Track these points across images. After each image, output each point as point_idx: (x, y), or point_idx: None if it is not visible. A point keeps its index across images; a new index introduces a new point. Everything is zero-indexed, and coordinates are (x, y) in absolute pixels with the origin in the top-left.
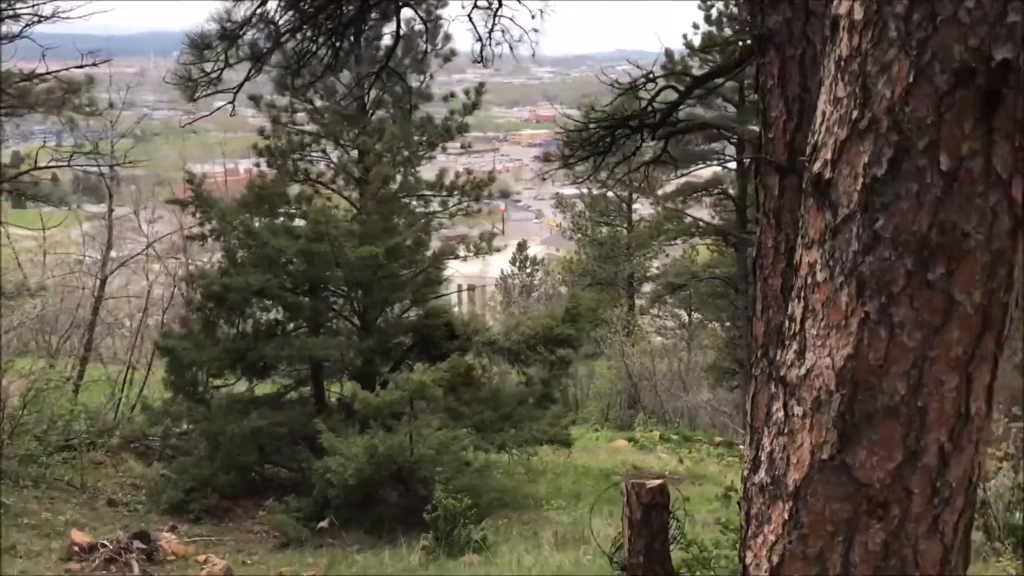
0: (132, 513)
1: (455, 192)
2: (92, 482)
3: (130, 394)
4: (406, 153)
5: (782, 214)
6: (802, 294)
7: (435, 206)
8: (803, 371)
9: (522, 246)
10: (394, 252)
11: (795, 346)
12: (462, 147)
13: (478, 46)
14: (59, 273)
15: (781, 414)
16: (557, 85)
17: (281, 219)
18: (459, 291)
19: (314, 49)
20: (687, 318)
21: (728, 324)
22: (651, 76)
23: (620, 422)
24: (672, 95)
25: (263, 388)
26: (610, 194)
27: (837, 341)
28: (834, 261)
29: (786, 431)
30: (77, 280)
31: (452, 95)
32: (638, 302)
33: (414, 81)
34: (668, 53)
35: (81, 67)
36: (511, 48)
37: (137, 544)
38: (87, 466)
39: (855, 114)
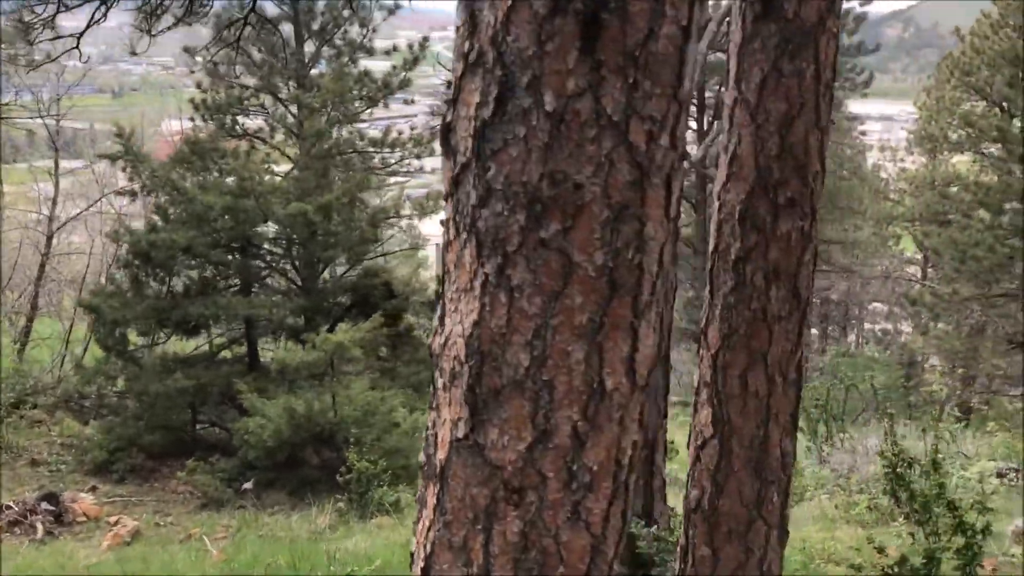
0: (54, 473)
1: (397, 148)
2: (22, 442)
3: (75, 352)
4: (356, 108)
5: None
6: (442, 253)
7: (382, 163)
8: (443, 339)
9: None
10: (326, 209)
11: (439, 311)
12: (405, 103)
13: None
14: (7, 228)
15: (432, 387)
16: None
17: (215, 175)
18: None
19: None
20: None
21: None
22: None
23: None
24: None
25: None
26: None
27: (466, 306)
28: (459, 216)
29: (434, 405)
30: (31, 236)
31: (395, 48)
32: None
33: (356, 35)
34: None
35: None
36: None
37: (44, 506)
38: (22, 426)
39: (465, 45)
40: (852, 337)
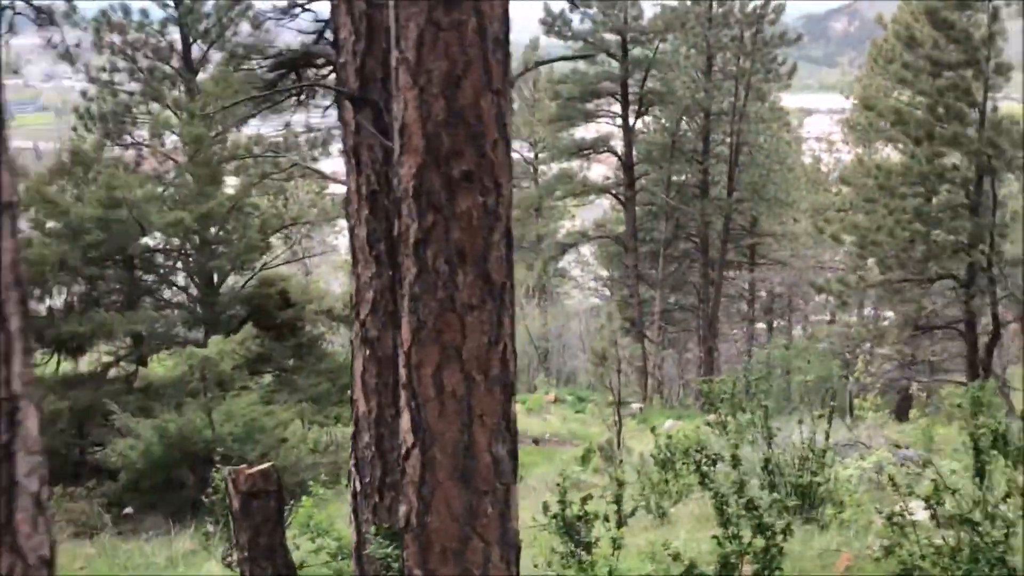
0: None
1: (292, 152)
2: None
3: None
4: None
5: (360, 152)
6: None
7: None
8: None
9: None
10: (208, 218)
11: None
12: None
13: None
14: None
15: None
16: None
17: (94, 187)
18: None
19: None
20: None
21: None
22: None
23: (530, 385)
24: None
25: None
26: (514, 155)
27: None
28: None
29: None
30: None
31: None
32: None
33: (245, 37)
34: None
35: None
36: None
37: None
38: None
39: None
40: (799, 330)
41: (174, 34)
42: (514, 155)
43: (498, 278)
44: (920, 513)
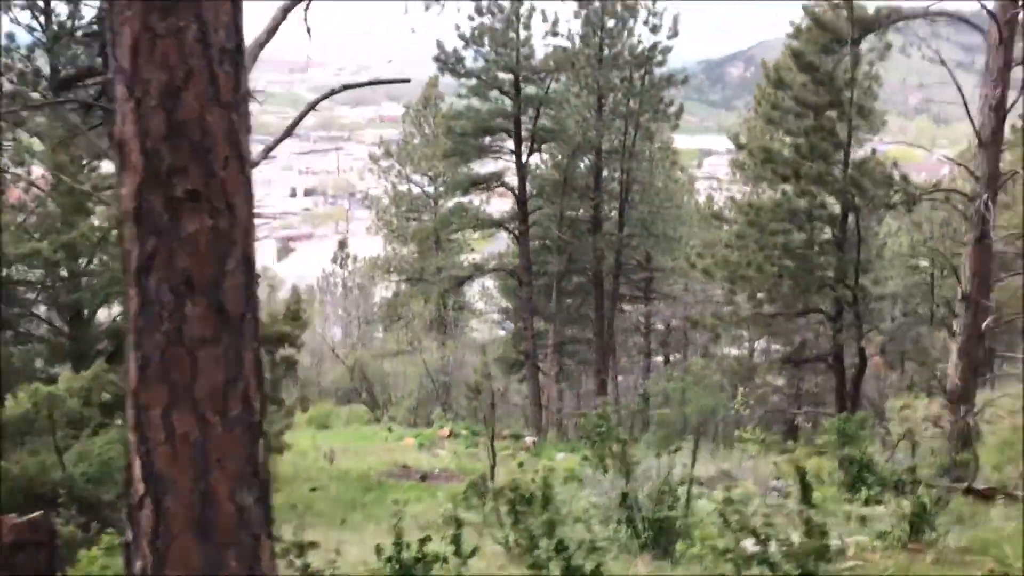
0: None
1: None
2: None
3: None
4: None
5: None
6: None
7: None
8: None
9: (343, 244)
10: (70, 248)
11: None
12: None
13: None
14: None
15: None
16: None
17: None
18: None
19: None
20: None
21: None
22: None
23: (427, 420)
24: None
25: None
26: (415, 189)
27: None
28: None
29: None
30: None
31: None
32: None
33: None
34: None
35: None
36: None
37: None
38: None
39: None
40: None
41: (40, 60)
42: (414, 189)
43: (235, 309)
44: (751, 547)
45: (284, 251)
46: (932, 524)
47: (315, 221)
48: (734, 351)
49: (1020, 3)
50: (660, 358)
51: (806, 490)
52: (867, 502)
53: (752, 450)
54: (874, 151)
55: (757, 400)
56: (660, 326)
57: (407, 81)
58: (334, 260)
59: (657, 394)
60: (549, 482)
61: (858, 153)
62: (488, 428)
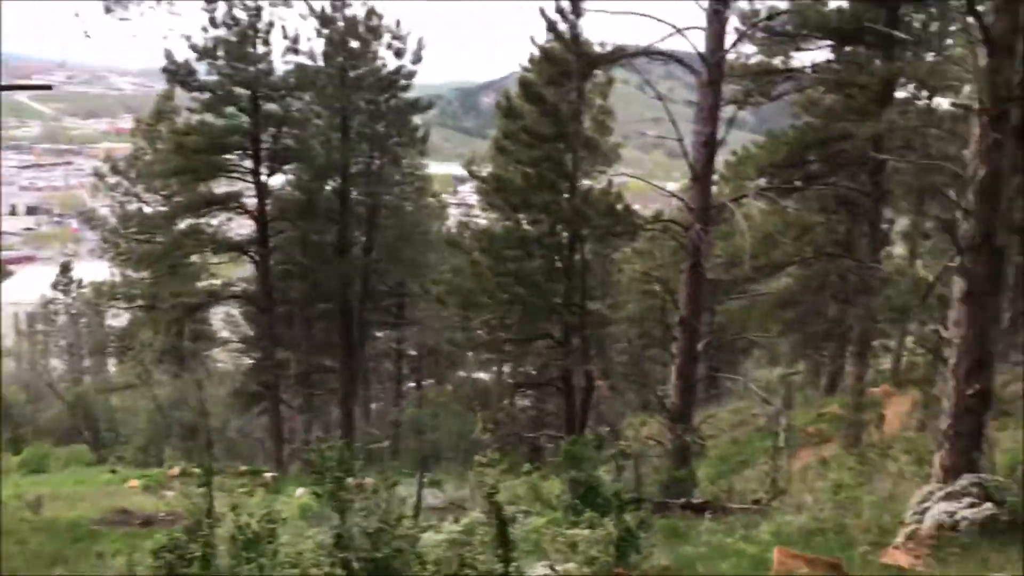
0: None
1: None
2: None
3: None
4: None
5: None
6: None
7: None
8: None
9: (66, 267)
10: None
11: None
12: None
13: None
14: None
15: None
16: (140, 98)
17: None
18: None
19: None
20: None
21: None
22: None
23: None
24: None
25: None
26: (147, 208)
27: None
28: None
29: None
30: None
31: None
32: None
33: None
34: None
35: None
36: None
37: None
38: None
39: None
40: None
41: None
42: (145, 208)
43: None
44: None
45: (1, 275)
46: (637, 546)
47: (38, 242)
48: (484, 375)
49: (727, 48)
50: (413, 384)
51: (502, 526)
52: (591, 525)
53: (489, 476)
54: (610, 182)
55: (495, 424)
56: (413, 352)
57: (48, 88)
58: (55, 286)
59: (406, 421)
60: (273, 519)
61: (584, 184)
62: (204, 469)
